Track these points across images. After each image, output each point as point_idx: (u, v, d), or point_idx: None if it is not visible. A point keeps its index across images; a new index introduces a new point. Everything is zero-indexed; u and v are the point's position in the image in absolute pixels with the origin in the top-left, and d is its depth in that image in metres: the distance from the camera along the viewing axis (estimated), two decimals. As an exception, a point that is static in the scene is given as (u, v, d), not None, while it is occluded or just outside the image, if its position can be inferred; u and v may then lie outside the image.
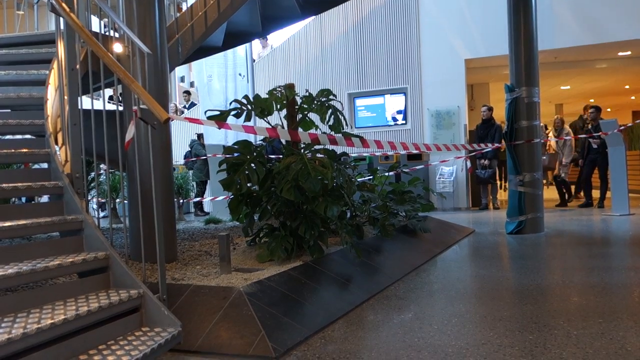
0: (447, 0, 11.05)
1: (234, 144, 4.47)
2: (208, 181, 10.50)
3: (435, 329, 3.21)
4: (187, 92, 14.87)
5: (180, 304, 3.18)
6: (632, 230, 7.00)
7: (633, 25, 9.70)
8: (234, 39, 6.77)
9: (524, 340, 2.91)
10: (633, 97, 18.32)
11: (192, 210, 10.37)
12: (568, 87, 15.70)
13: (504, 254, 6.10)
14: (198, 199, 10.07)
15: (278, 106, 4.58)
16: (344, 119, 4.67)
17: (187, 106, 13.73)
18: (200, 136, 10.82)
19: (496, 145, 8.91)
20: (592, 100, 17.37)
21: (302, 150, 4.48)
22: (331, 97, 4.66)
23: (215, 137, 8.94)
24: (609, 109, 20.66)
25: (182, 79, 18.61)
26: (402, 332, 3.19)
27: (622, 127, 8.63)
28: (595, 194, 10.05)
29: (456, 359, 2.70)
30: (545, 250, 5.98)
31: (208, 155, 9.32)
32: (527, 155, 7.02)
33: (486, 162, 10.22)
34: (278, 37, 13.29)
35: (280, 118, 4.78)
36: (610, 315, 3.33)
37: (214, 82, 8.96)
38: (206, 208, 10.86)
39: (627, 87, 16.04)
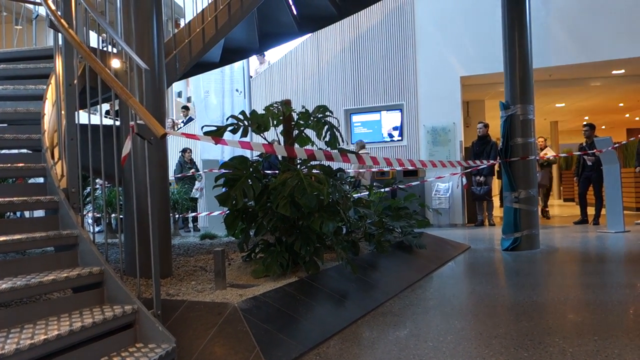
0: (443, 18, 11.16)
1: (231, 159, 4.48)
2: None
3: (431, 346, 3.20)
4: (186, 108, 14.92)
5: (174, 320, 3.16)
6: (627, 247, 7.01)
7: (627, 44, 9.81)
8: (231, 55, 6.81)
9: (519, 358, 2.91)
10: (627, 115, 18.48)
11: (190, 225, 10.34)
12: (563, 104, 15.82)
13: (500, 270, 6.10)
14: (193, 214, 10.06)
15: (275, 122, 4.60)
16: (340, 135, 4.69)
17: (184, 121, 13.77)
18: (185, 150, 10.81)
19: (491, 162, 8.95)
20: (586, 118, 17.52)
21: (298, 166, 4.50)
22: (327, 113, 4.69)
23: (212, 152, 8.97)
24: (603, 127, 20.82)
25: (180, 94, 18.66)
26: (397, 349, 3.17)
27: (617, 145, 8.69)
28: (590, 211, 10.09)
29: (451, 376, 2.69)
30: (540, 267, 5.99)
31: (204, 170, 9.32)
32: (522, 172, 7.05)
33: (482, 178, 10.25)
34: (275, 53, 13.37)
35: (277, 134, 4.80)
36: (605, 332, 3.33)
37: (211, 97, 9.00)
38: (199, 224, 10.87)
39: (621, 104, 16.18)
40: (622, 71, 11.45)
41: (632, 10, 9.75)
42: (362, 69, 11.91)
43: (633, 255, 6.49)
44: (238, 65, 9.18)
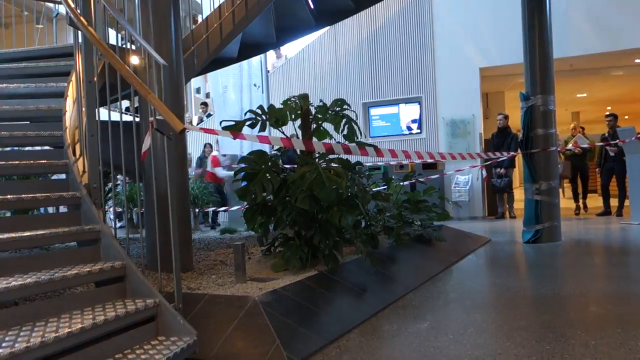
0: (461, 9, 11.05)
1: (249, 154, 4.50)
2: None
3: (451, 338, 3.19)
4: (205, 104, 15.00)
5: (195, 313, 3.19)
6: (651, 239, 6.90)
7: (649, 32, 9.61)
8: (249, 50, 6.83)
9: (541, 351, 2.88)
10: (650, 104, 18.10)
11: (210, 222, 10.41)
12: (584, 94, 15.56)
13: (521, 263, 6.05)
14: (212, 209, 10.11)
15: (292, 116, 4.61)
16: (358, 128, 4.68)
17: (203, 118, 13.86)
18: (206, 146, 10.86)
19: (512, 154, 8.85)
20: (609, 108, 17.21)
21: (316, 160, 4.50)
22: (345, 107, 4.68)
23: (231, 147, 9.01)
24: (626, 117, 20.42)
25: (198, 90, 18.77)
26: (417, 342, 3.17)
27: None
28: (614, 202, 9.94)
29: (472, 369, 2.68)
30: (562, 260, 5.92)
31: (224, 165, 9.37)
32: (544, 164, 6.96)
33: (502, 170, 10.15)
34: (292, 48, 13.36)
35: (295, 128, 4.81)
36: (628, 325, 3.29)
37: (229, 92, 9.05)
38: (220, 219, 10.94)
39: (644, 94, 15.86)
40: (646, 59, 11.22)
41: (655, -3, 9.55)
42: (379, 62, 11.84)
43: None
44: (256, 60, 9.21)
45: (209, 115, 13.62)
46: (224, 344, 2.95)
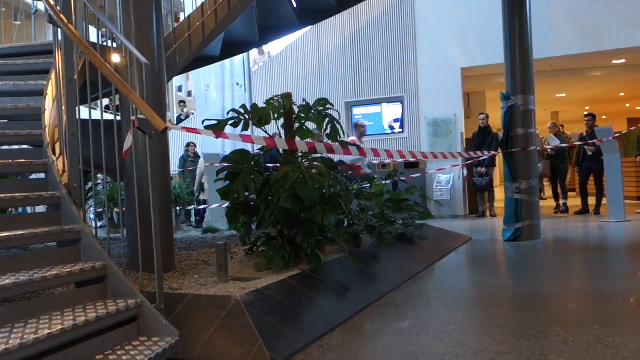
0: (444, 10, 11.12)
1: (232, 153, 4.48)
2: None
3: (433, 336, 3.21)
4: (183, 102, 14.93)
5: (178, 314, 3.18)
6: (628, 237, 7.02)
7: (627, 33, 9.76)
8: (231, 48, 6.81)
9: (521, 347, 2.92)
10: (628, 105, 18.42)
11: (193, 220, 10.35)
12: (564, 94, 15.77)
13: (501, 261, 6.12)
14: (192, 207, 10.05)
15: (275, 115, 4.60)
16: (341, 128, 4.69)
17: (182, 116, 13.76)
18: (189, 145, 10.80)
19: (493, 153, 8.94)
20: (587, 108, 17.46)
21: (299, 159, 4.50)
22: (328, 106, 4.69)
23: (213, 146, 8.96)
24: (604, 117, 20.76)
25: (180, 89, 18.66)
26: (399, 340, 3.19)
27: (617, 135, 8.68)
28: (591, 200, 10.09)
29: (454, 366, 2.71)
30: (542, 258, 6.00)
31: (205, 164, 9.32)
32: (524, 163, 7.04)
33: (483, 170, 10.25)
34: (275, 46, 13.35)
35: (278, 127, 4.80)
36: (606, 321, 3.34)
37: (211, 91, 9.00)
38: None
39: (622, 94, 16.13)
40: (623, 61, 11.40)
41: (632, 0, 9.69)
42: (362, 61, 11.87)
43: (634, 244, 6.50)
44: (238, 59, 9.17)
45: (186, 117, 13.51)
46: (207, 344, 2.94)
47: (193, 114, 13.12)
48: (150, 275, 3.52)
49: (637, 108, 19.14)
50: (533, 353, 2.82)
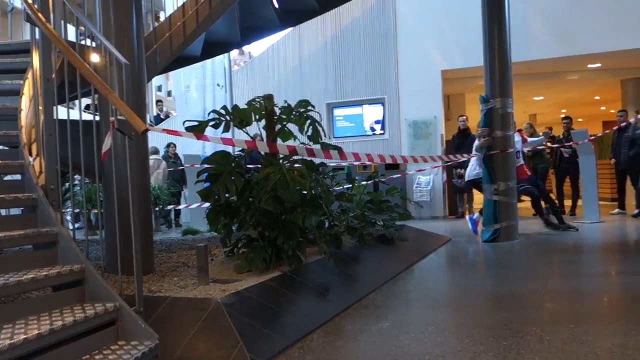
0: (424, 12, 11.20)
1: (213, 154, 4.47)
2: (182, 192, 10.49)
3: (413, 337, 3.24)
4: (160, 102, 14.82)
5: (157, 316, 3.15)
6: (602, 237, 7.15)
7: (603, 38, 9.94)
8: (213, 48, 6.78)
9: (499, 347, 2.96)
10: (603, 108, 18.73)
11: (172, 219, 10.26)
12: (541, 97, 16.00)
13: (480, 261, 6.18)
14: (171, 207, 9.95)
15: (257, 117, 4.60)
16: (322, 129, 4.70)
17: (161, 116, 13.65)
18: (169, 145, 10.69)
19: (473, 155, 9.01)
20: (564, 111, 17.74)
21: (280, 161, 4.50)
22: (309, 108, 4.69)
23: (193, 147, 8.91)
24: (580, 119, 21.09)
25: (159, 88, 18.52)
26: (379, 340, 3.21)
27: (593, 137, 8.83)
28: (567, 202, 10.25)
29: (433, 367, 2.73)
30: (519, 258, 6.08)
31: (185, 165, 9.26)
32: (502, 165, 7.13)
33: (462, 171, 10.33)
34: (256, 47, 13.32)
35: (259, 129, 4.80)
36: (580, 320, 3.40)
37: (191, 92, 8.94)
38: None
39: (597, 97, 16.41)
40: (598, 65, 11.60)
41: (608, 4, 9.87)
42: (344, 63, 11.90)
43: (607, 244, 6.62)
44: (219, 59, 9.13)
45: (166, 117, 13.40)
46: (187, 347, 2.92)
47: (173, 114, 13.04)
48: (129, 278, 3.50)
49: (612, 111, 19.46)
50: (510, 352, 2.86)
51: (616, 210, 9.73)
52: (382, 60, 11.59)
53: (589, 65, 11.67)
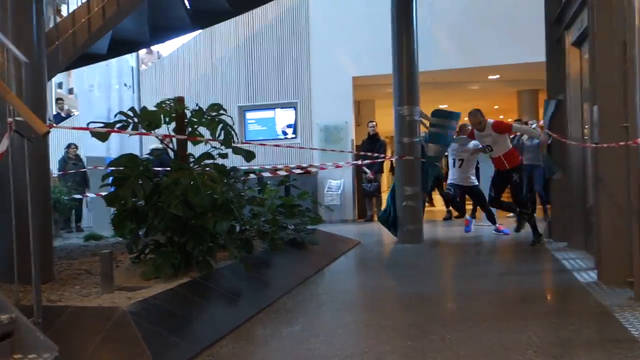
0: (337, 20, 11.40)
1: (119, 157, 4.31)
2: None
3: (322, 340, 3.30)
4: (60, 99, 14.05)
5: (58, 327, 3.00)
6: (498, 240, 7.61)
7: (501, 51, 10.58)
8: (120, 47, 6.55)
9: (404, 347, 3.08)
10: (502, 116, 19.91)
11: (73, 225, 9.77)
12: (445, 105, 16.73)
13: (388, 264, 6.39)
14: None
15: (167, 119, 4.49)
16: (235, 133, 4.67)
17: (62, 114, 12.96)
18: (69, 146, 10.14)
19: (390, 157, 9.29)
20: (466, 119, 18.68)
21: (191, 165, 4.43)
22: (221, 111, 4.65)
23: (97, 149, 8.53)
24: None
25: (60, 86, 17.55)
26: (290, 345, 3.24)
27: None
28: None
29: (341, 369, 2.80)
30: (424, 260, 6.35)
31: (88, 167, 8.85)
32: (409, 171, 7.41)
33: (371, 176, 10.63)
34: (166, 46, 12.99)
35: (169, 131, 4.69)
36: (477, 318, 3.62)
37: (95, 91, 8.57)
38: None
39: (496, 107, 17.46)
40: (497, 76, 12.37)
41: (506, 20, 10.52)
42: (256, 67, 11.88)
43: (503, 247, 7.06)
44: (126, 58, 8.82)
45: (67, 116, 12.74)
46: (91, 358, 2.81)
47: (74, 113, 12.40)
48: (26, 287, 3.30)
49: (509, 120, 20.78)
50: (415, 351, 2.99)
51: (511, 214, 10.38)
52: (295, 64, 11.68)
53: (489, 77, 12.41)
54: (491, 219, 7.93)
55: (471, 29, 10.74)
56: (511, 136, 7.30)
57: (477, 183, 8.18)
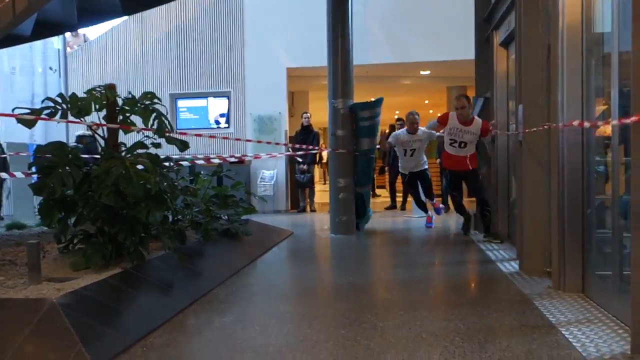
0: (271, 10, 11.35)
1: (46, 145, 4.15)
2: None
3: (257, 329, 3.34)
4: None
5: (-19, 320, 2.89)
6: (427, 231, 7.89)
7: (432, 48, 10.90)
8: (45, 29, 6.27)
9: (338, 335, 3.17)
10: (431, 111, 20.54)
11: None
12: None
13: (320, 254, 6.51)
14: None
15: (97, 107, 4.36)
16: (169, 123, 4.60)
17: None
18: None
19: (325, 149, 9.38)
20: (397, 112, 19.12)
21: (123, 154, 4.32)
22: (155, 100, 4.56)
23: (18, 135, 8.13)
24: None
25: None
26: (224, 335, 3.27)
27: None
28: (398, 197, 11.13)
29: (276, 356, 2.86)
30: (356, 250, 6.51)
31: (9, 153, 8.42)
32: (343, 163, 7.54)
33: (305, 167, 10.72)
34: (94, 29, 12.50)
35: (100, 119, 4.56)
36: (409, 307, 3.77)
37: (17, 74, 8.15)
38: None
39: (426, 101, 17.99)
40: (428, 72, 12.74)
41: (437, 18, 10.83)
42: (189, 54, 11.66)
43: (432, 237, 7.34)
44: (51, 40, 8.43)
45: None
46: (17, 353, 2.72)
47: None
48: (-54, 279, 3.15)
49: (438, 114, 21.45)
50: (348, 340, 3.08)
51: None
52: (229, 53, 11.57)
53: (421, 72, 12.76)
54: (424, 208, 8.11)
55: (403, 25, 11.00)
56: (440, 131, 7.22)
57: (427, 167, 8.02)
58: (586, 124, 3.64)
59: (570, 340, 2.93)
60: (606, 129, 3.78)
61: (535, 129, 4.37)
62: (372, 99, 7.95)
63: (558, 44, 3.96)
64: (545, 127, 4.20)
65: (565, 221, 3.87)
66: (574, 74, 3.88)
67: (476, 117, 6.70)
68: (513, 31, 5.42)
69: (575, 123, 3.67)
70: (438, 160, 10.82)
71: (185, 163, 7.82)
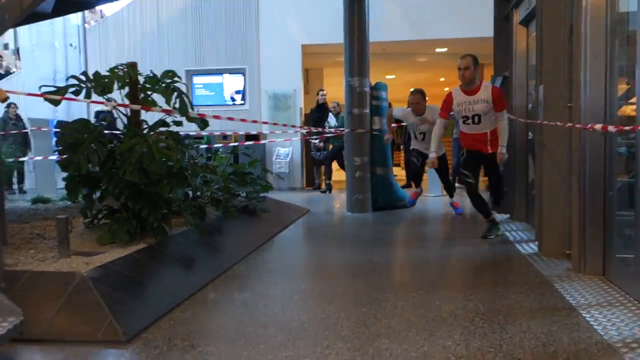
0: (287, -14, 11.30)
1: (72, 123, 4.23)
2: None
3: (279, 305, 3.42)
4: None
5: (16, 292, 2.99)
6: (443, 210, 7.93)
7: (449, 25, 10.83)
8: (66, 5, 6.30)
9: (358, 313, 3.24)
10: (446, 89, 20.38)
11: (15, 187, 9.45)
12: (393, 76, 17.00)
13: (337, 232, 6.57)
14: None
15: (119, 84, 4.42)
16: (190, 101, 4.65)
17: (1, 71, 12.34)
18: (9, 105, 9.65)
19: (339, 130, 9.40)
20: (411, 89, 19.05)
21: (145, 132, 4.39)
22: (176, 79, 4.61)
23: (41, 111, 8.23)
24: (427, 98, 22.77)
25: (6, 47, 16.64)
26: (248, 310, 3.35)
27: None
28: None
29: (300, 332, 2.94)
30: (373, 229, 6.57)
31: (31, 128, 8.54)
32: (358, 142, 7.57)
33: (321, 144, 10.75)
34: (110, 7, 12.50)
35: (122, 97, 4.62)
36: (428, 286, 3.83)
37: (39, 51, 8.21)
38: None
39: (442, 79, 17.85)
40: (445, 49, 12.62)
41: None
42: (205, 31, 11.66)
43: (448, 217, 7.38)
44: (70, 17, 8.46)
45: (7, 73, 12.16)
46: (52, 323, 2.83)
47: (13, 70, 11.84)
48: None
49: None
50: (368, 317, 3.15)
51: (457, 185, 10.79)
52: (244, 30, 11.54)
53: (437, 49, 12.65)
54: (451, 191, 7.45)
55: (420, 2, 10.91)
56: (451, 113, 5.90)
57: (443, 151, 7.40)
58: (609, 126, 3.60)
59: (591, 322, 2.93)
60: (627, 109, 3.77)
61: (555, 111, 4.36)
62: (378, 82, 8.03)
63: (581, 23, 3.92)
64: (567, 106, 4.18)
65: (586, 203, 3.85)
66: (598, 54, 3.84)
67: (485, 82, 5.65)
68: (533, 9, 5.36)
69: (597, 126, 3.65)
70: (454, 136, 10.73)
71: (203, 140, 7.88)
